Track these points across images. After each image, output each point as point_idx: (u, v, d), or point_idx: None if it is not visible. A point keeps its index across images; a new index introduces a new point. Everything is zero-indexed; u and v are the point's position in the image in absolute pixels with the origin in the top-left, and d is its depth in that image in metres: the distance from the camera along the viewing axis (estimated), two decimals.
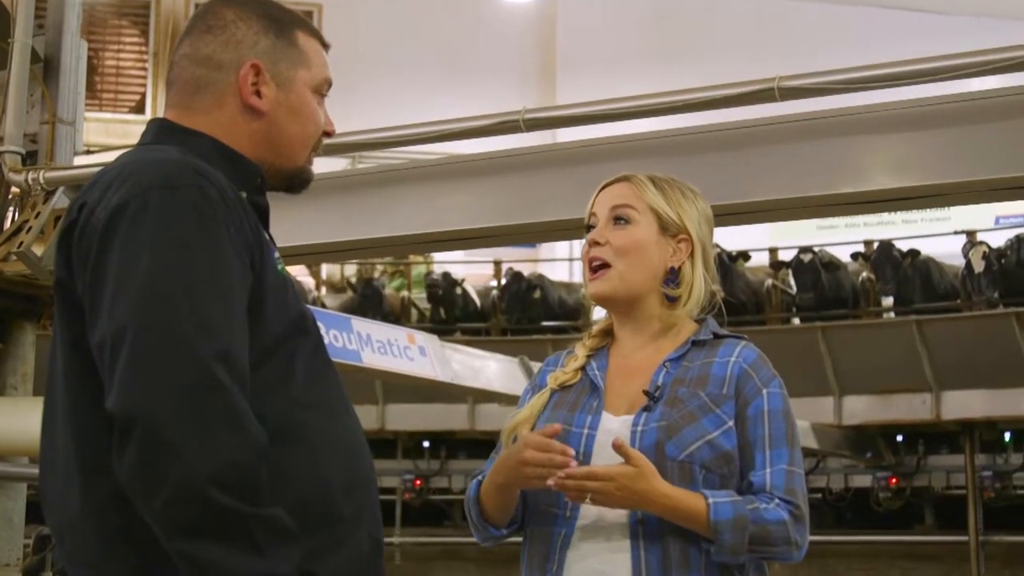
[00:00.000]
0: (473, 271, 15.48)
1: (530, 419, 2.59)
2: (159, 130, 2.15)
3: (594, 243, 2.58)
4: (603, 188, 2.65)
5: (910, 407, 12.65)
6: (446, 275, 14.29)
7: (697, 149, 3.88)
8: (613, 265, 2.56)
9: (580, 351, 2.66)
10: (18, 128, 4.72)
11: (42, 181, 4.58)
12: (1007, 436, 12.87)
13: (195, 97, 2.14)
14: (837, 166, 3.47)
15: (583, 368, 2.62)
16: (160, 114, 2.27)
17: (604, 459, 2.43)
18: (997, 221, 13.31)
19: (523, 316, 14.24)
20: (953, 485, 13.16)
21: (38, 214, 4.54)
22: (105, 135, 14.95)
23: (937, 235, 13.25)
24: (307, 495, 1.95)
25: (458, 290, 14.12)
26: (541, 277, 14.62)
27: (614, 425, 2.48)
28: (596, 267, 2.58)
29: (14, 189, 5.27)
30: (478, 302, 14.52)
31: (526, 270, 15.02)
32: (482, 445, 13.87)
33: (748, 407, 2.46)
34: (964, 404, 12.53)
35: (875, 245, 13.56)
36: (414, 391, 11.88)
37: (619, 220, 2.58)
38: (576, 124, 3.73)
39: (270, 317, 1.98)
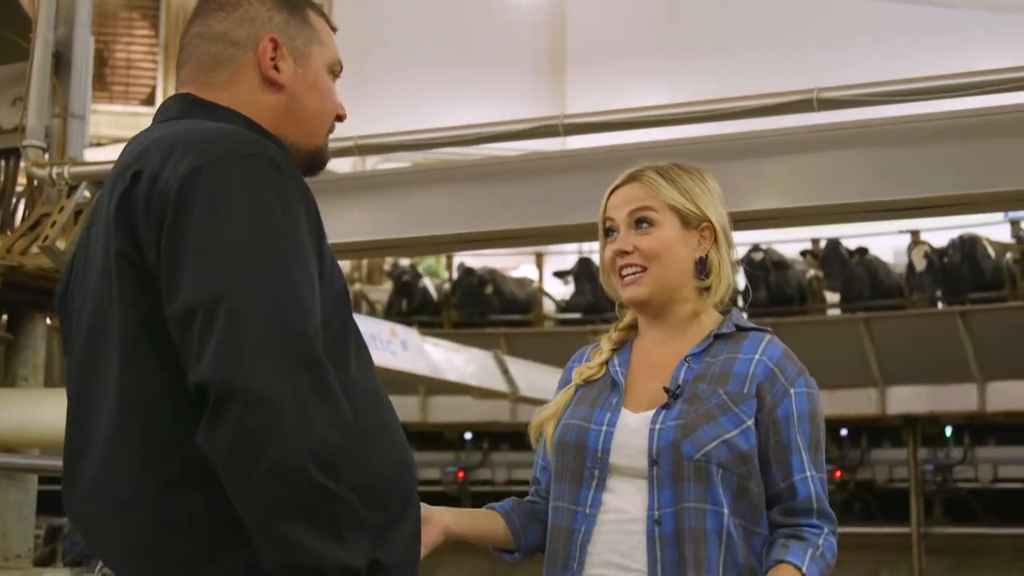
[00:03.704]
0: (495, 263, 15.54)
1: (555, 415, 2.60)
2: (185, 105, 2.10)
3: (622, 252, 2.57)
4: (614, 190, 2.63)
5: (856, 402, 12.87)
6: (412, 267, 14.34)
7: (722, 156, 3.97)
8: (647, 268, 2.55)
9: (605, 344, 2.66)
10: (40, 122, 4.72)
11: (66, 176, 4.60)
12: (948, 431, 13.18)
13: (212, 74, 2.10)
14: (865, 175, 3.61)
15: (609, 358, 2.63)
16: None
17: (621, 456, 2.47)
18: (1006, 215, 13.42)
19: (475, 310, 14.31)
20: (895, 478, 13.45)
21: (61, 208, 4.56)
22: (115, 127, 14.80)
23: (883, 234, 13.45)
24: (363, 480, 1.87)
25: (420, 283, 14.17)
26: (493, 272, 14.68)
27: (633, 422, 2.49)
28: (629, 273, 2.57)
29: (21, 181, 5.29)
30: (435, 295, 14.57)
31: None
32: (433, 439, 13.94)
33: (777, 409, 2.46)
34: (908, 399, 12.81)
35: (823, 243, 13.82)
36: None
37: (641, 223, 2.57)
38: (614, 129, 3.82)
39: (326, 290, 1.93)
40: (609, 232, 2.62)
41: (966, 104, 3.52)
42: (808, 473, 2.45)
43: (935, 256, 13.02)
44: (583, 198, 4.00)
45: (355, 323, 2.04)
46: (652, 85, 16.28)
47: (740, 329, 2.58)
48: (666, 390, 2.48)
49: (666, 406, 2.47)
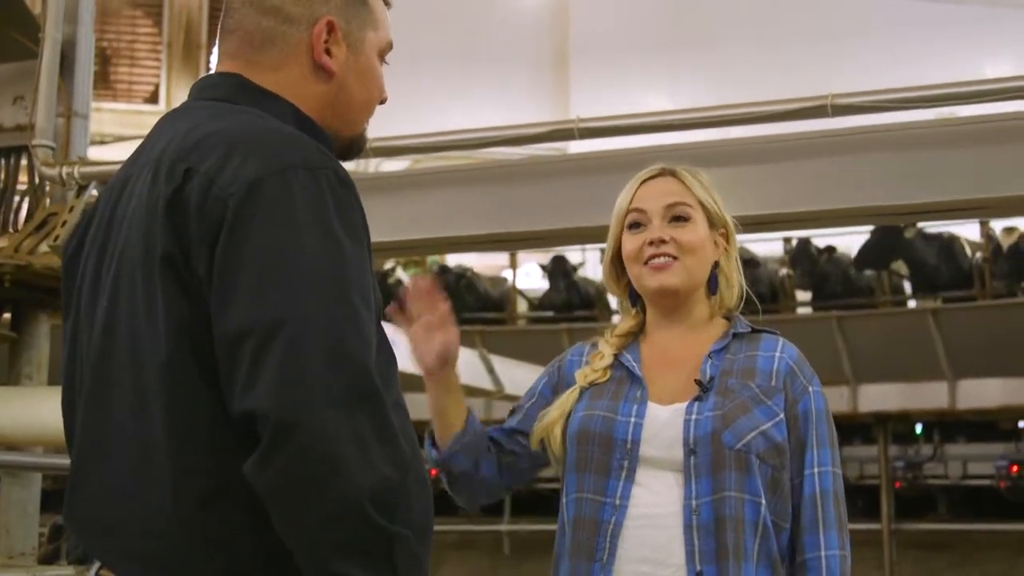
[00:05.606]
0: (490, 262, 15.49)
1: (562, 418, 2.59)
2: (234, 87, 1.96)
3: (659, 241, 2.56)
4: (646, 181, 2.63)
5: (829, 400, 12.89)
6: (394, 267, 14.34)
7: (735, 160, 4.01)
8: (680, 259, 2.55)
9: (606, 349, 2.65)
10: (49, 122, 4.70)
11: (76, 176, 4.60)
12: (919, 428, 13.30)
13: (260, 51, 1.97)
14: (879, 179, 3.68)
15: (614, 361, 2.62)
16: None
17: (653, 447, 2.46)
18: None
19: (451, 307, 14.27)
20: (866, 475, 13.56)
21: (71, 208, 4.56)
22: (119, 126, 14.70)
23: (855, 233, 13.53)
24: (413, 515, 1.76)
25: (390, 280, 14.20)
26: (468, 270, 14.69)
27: (663, 415, 2.48)
28: (661, 262, 2.55)
29: (22, 179, 5.29)
30: None
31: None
32: None
33: (797, 404, 2.49)
34: (880, 397, 12.88)
35: (793, 242, 13.92)
36: None
37: (678, 218, 2.58)
38: (629, 133, 3.86)
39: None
40: (635, 225, 2.62)
41: (979, 110, 3.58)
42: (818, 469, 2.48)
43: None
44: (588, 202, 4.06)
45: (384, 332, 1.91)
46: (655, 83, 16.30)
47: (753, 331, 2.61)
48: (697, 383, 2.50)
49: (698, 398, 2.48)
